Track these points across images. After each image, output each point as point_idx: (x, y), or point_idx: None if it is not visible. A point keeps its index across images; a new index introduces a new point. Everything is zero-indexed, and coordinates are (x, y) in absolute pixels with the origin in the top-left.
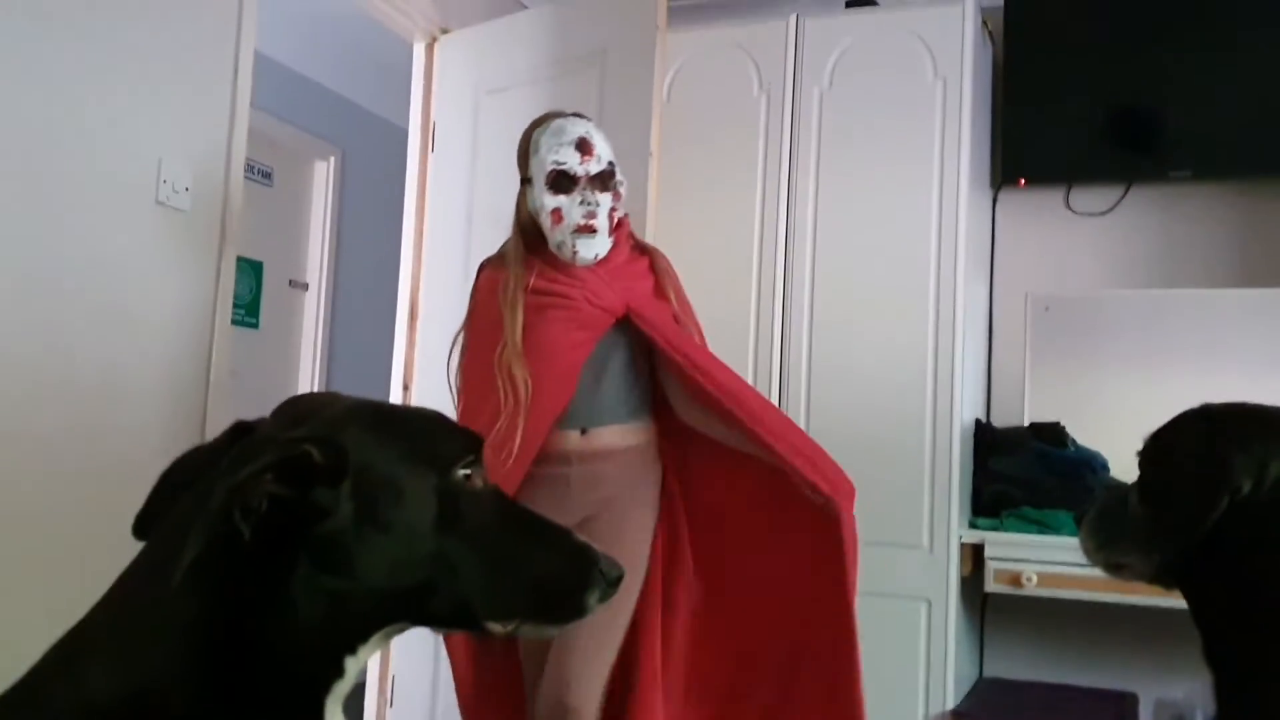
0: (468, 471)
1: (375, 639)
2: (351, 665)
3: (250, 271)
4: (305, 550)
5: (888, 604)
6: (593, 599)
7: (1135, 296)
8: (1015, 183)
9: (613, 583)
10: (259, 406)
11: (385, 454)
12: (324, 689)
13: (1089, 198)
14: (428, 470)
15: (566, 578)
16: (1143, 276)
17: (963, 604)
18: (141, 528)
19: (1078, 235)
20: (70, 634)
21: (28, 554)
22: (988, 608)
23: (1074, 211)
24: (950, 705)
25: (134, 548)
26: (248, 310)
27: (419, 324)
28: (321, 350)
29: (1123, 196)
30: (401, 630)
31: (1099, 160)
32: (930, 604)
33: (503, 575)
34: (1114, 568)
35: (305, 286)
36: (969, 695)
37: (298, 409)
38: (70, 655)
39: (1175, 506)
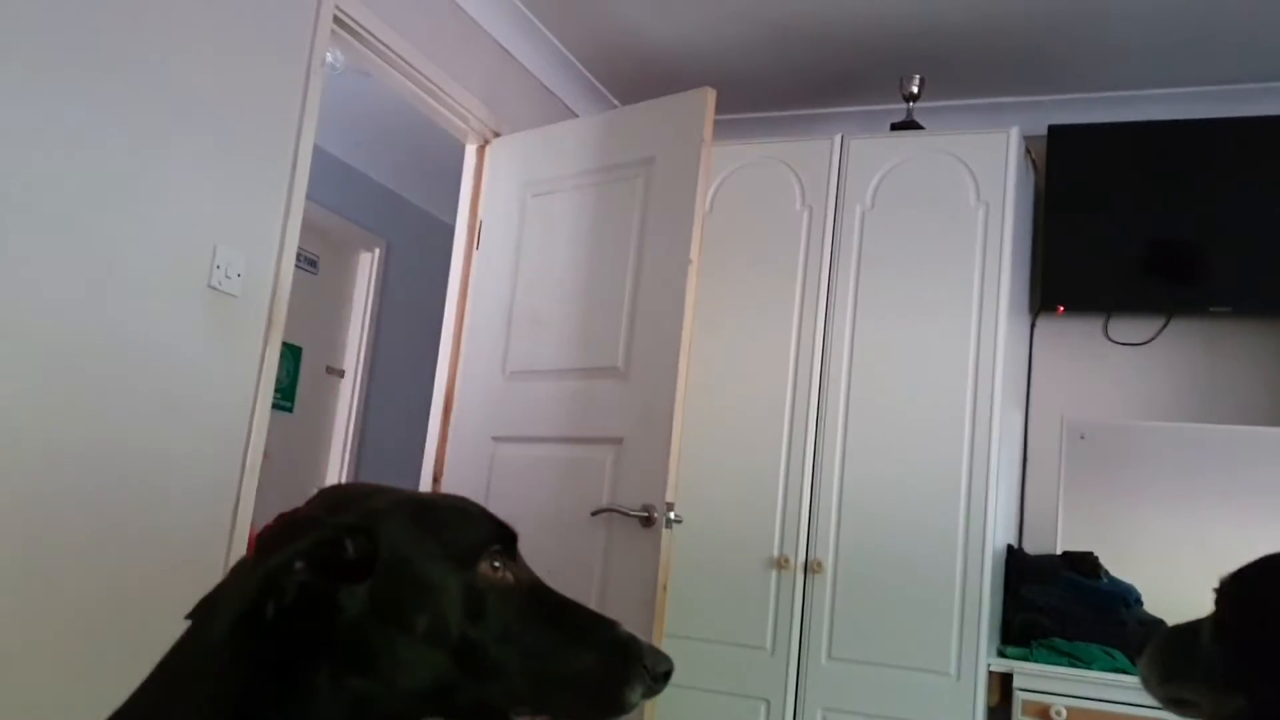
0: (497, 564)
1: None
2: None
3: (289, 356)
4: (329, 644)
5: None
6: (634, 695)
7: (1172, 429)
8: (1054, 310)
9: (659, 677)
10: (288, 489)
11: (415, 550)
12: None
13: (1128, 328)
14: (454, 565)
15: (604, 672)
16: (1180, 409)
17: None
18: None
19: (1115, 365)
20: (116, 713)
21: (63, 622)
22: None
23: (1112, 341)
24: None
25: (174, 620)
26: (284, 394)
27: (453, 417)
28: (353, 437)
29: (1162, 328)
30: None
31: (1139, 291)
32: None
33: (532, 672)
34: (1177, 704)
35: (341, 373)
36: None
37: (337, 497)
38: None
39: (1267, 653)
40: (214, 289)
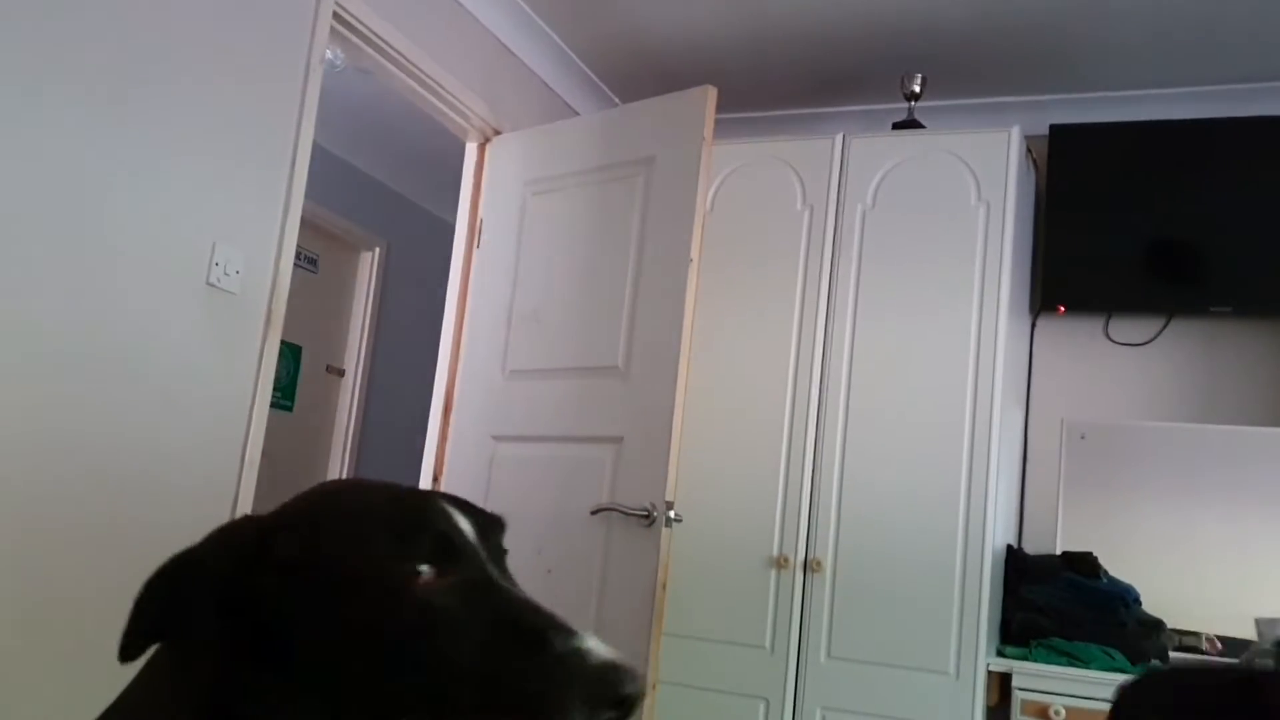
0: (429, 568)
1: None
2: None
3: (289, 355)
4: (269, 643)
5: None
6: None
7: (1172, 429)
8: (1055, 310)
9: (616, 703)
10: (287, 488)
11: (342, 548)
12: None
13: (1128, 328)
14: (384, 566)
15: (538, 695)
16: (1180, 410)
17: None
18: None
19: (1116, 365)
20: (104, 712)
21: (60, 621)
22: None
23: (1113, 341)
24: None
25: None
26: (283, 393)
27: (453, 416)
28: (353, 436)
29: (1163, 328)
30: None
31: (1140, 291)
32: None
33: (455, 686)
34: None
35: (341, 372)
36: None
37: (306, 494)
38: None
39: None
40: (213, 286)
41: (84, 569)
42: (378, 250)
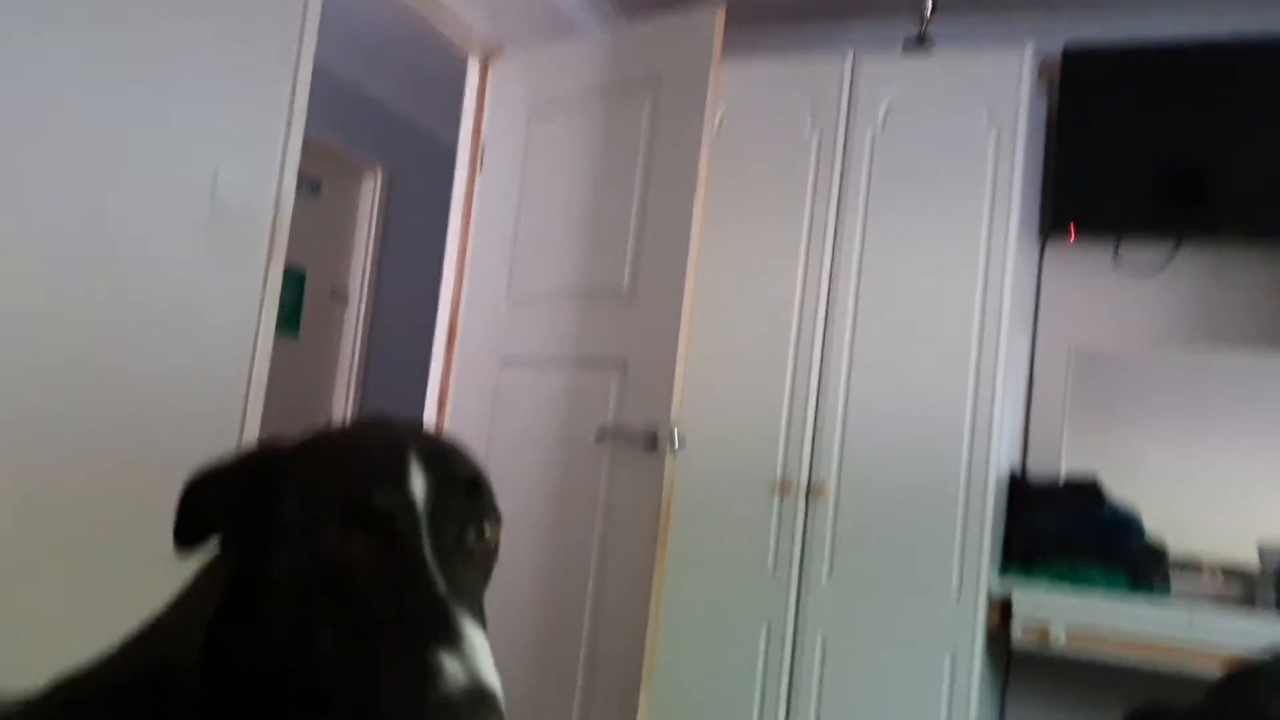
0: (347, 534)
1: None
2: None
3: (293, 281)
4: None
5: (911, 654)
6: None
7: (1179, 356)
8: (1064, 235)
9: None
10: (293, 414)
11: (286, 492)
12: None
13: (1138, 253)
14: (306, 523)
15: (383, 704)
16: (1189, 336)
17: (988, 657)
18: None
19: (1125, 290)
20: (136, 628)
21: (64, 539)
22: (1013, 663)
23: (1122, 266)
24: None
25: (162, 537)
26: (288, 319)
27: (457, 342)
28: (359, 362)
29: (1173, 254)
30: None
31: (1150, 216)
32: (954, 656)
33: (335, 673)
34: None
35: (346, 299)
36: None
37: (315, 431)
38: (127, 644)
39: None
40: (215, 210)
41: (89, 492)
42: (380, 174)
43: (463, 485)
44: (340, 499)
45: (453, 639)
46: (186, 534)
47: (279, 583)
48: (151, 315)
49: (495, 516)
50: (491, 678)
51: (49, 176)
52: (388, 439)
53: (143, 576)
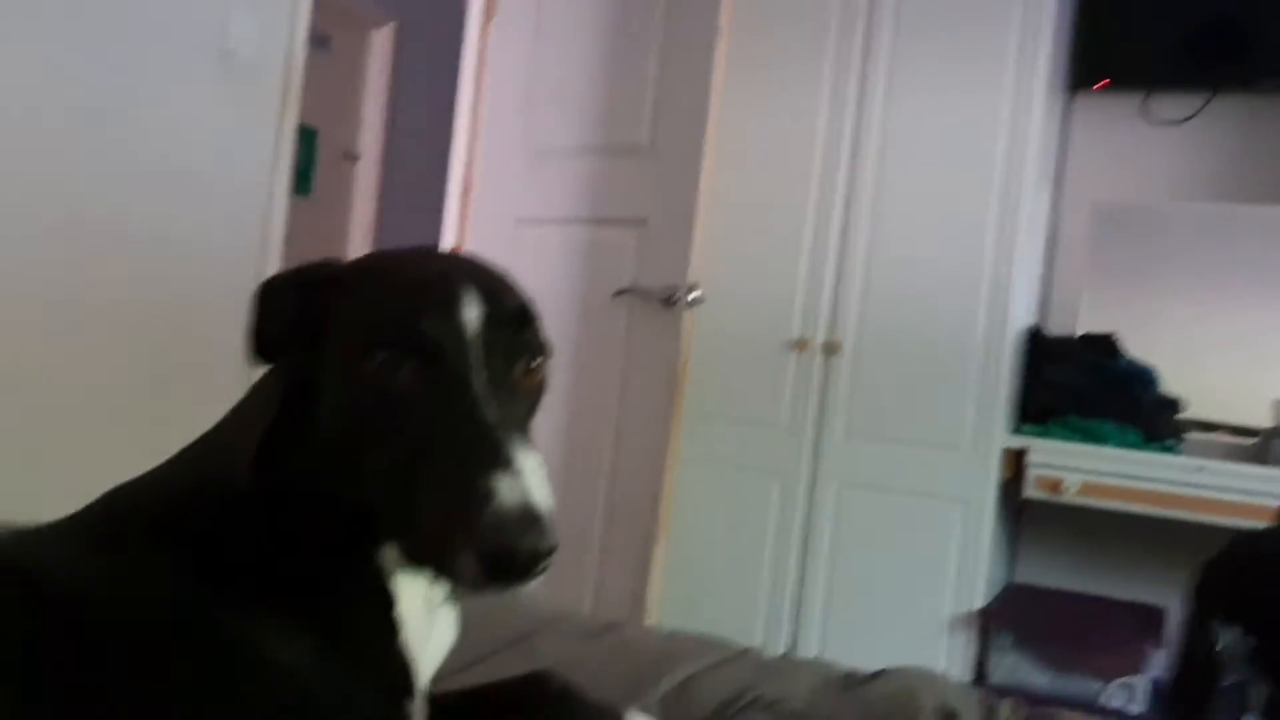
0: (387, 358)
1: None
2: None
3: (305, 139)
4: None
5: (925, 504)
6: (464, 571)
7: (1203, 210)
8: (1092, 86)
9: (500, 557)
10: None
11: (339, 316)
12: (367, 551)
13: (1168, 105)
14: (352, 347)
15: (435, 526)
16: (1216, 190)
17: (999, 508)
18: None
19: (1152, 144)
20: (186, 446)
21: (80, 403)
22: (1024, 515)
23: (1151, 119)
24: (979, 606)
25: (193, 399)
26: (300, 178)
27: (472, 200)
28: (373, 223)
29: (1204, 105)
30: None
31: (1182, 66)
32: (967, 506)
33: (384, 494)
34: None
35: (358, 158)
36: (997, 598)
37: (372, 252)
38: (177, 460)
39: None
40: (227, 58)
41: (107, 348)
42: (391, 28)
43: (513, 317)
44: (391, 325)
45: (505, 462)
46: (255, 345)
47: (330, 402)
48: (162, 171)
49: (544, 350)
50: (545, 499)
51: (50, 28)
52: (440, 268)
53: (158, 439)
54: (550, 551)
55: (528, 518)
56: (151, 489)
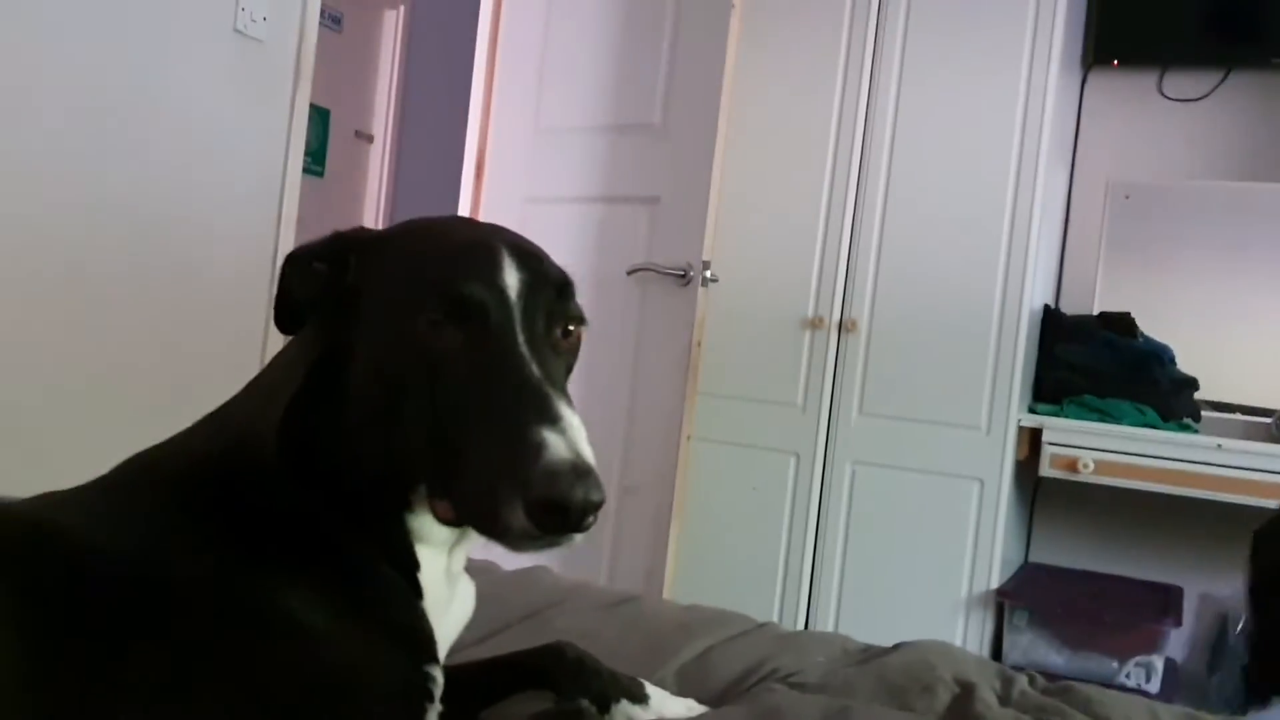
0: (436, 320)
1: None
2: (418, 503)
3: (318, 119)
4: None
5: (940, 482)
6: (514, 522)
7: (1219, 188)
8: (1108, 63)
9: (548, 509)
10: None
11: (382, 280)
12: (396, 517)
13: (1183, 82)
14: (398, 309)
15: (486, 481)
16: (1232, 168)
17: (1015, 487)
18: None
19: (1168, 122)
20: (210, 412)
21: (96, 379)
22: (1039, 493)
23: (1166, 96)
24: (994, 586)
25: (209, 375)
26: (314, 158)
27: (485, 179)
28: (385, 202)
29: (1220, 83)
30: None
31: (1197, 44)
32: (983, 484)
33: (432, 453)
34: None
35: (371, 138)
36: (1013, 577)
37: (408, 219)
38: (201, 425)
39: None
40: (240, 34)
41: (122, 325)
42: (402, 8)
43: (553, 283)
44: (437, 287)
45: (554, 417)
46: (282, 313)
47: (369, 364)
48: (175, 152)
49: (582, 317)
50: (591, 455)
51: (62, 8)
52: (479, 234)
53: (173, 416)
54: (600, 504)
55: (579, 469)
56: (178, 455)
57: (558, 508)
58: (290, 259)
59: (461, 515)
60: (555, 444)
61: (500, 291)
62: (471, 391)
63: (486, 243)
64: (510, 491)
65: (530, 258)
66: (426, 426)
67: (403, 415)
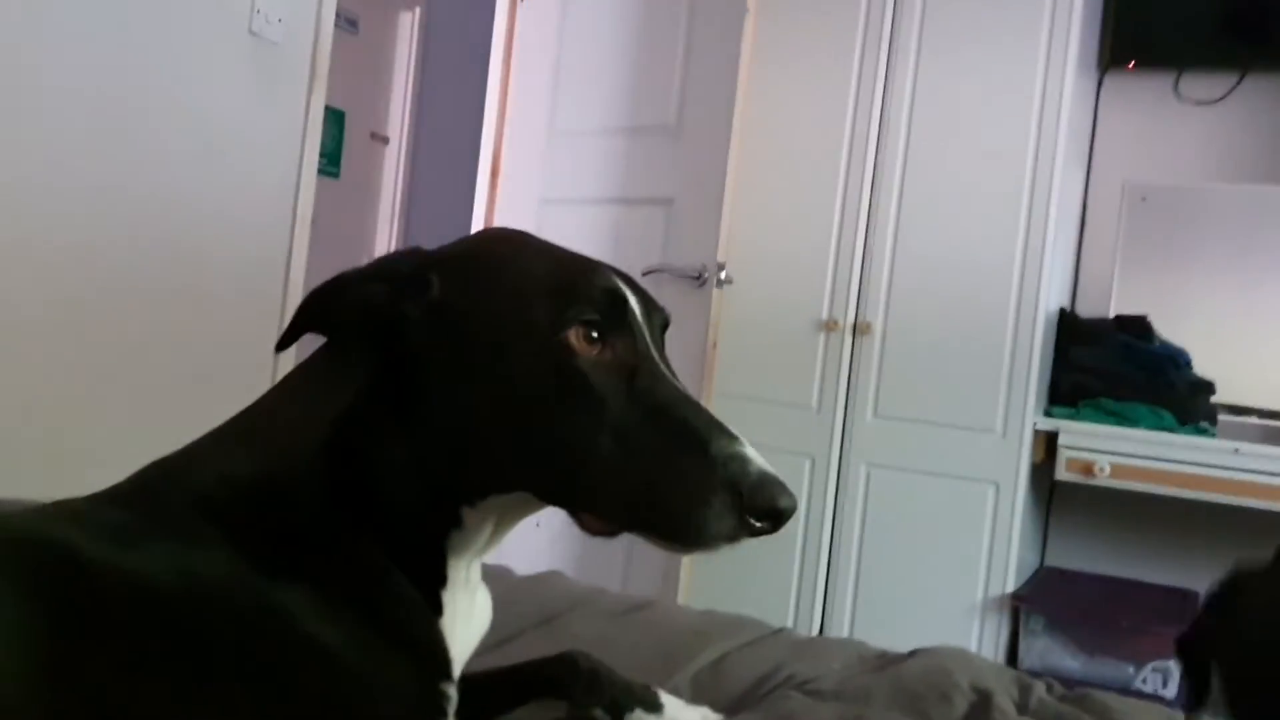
0: (594, 335)
1: (495, 500)
2: (471, 518)
3: (333, 120)
4: (411, 385)
5: (956, 486)
6: (717, 526)
7: (1236, 191)
8: (1124, 66)
9: (762, 513)
10: (336, 256)
11: (494, 299)
12: (439, 533)
13: (1199, 85)
14: (535, 325)
15: (683, 491)
16: (1248, 171)
17: (1031, 491)
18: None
19: (1184, 124)
20: (230, 421)
21: (109, 376)
22: (1055, 497)
23: (1182, 99)
24: (1010, 590)
25: (225, 378)
26: (329, 160)
27: (500, 181)
28: (401, 205)
29: (1235, 85)
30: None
31: (1213, 46)
32: (998, 488)
33: (592, 465)
34: None
35: (386, 140)
36: (1029, 581)
37: (470, 237)
38: (226, 436)
39: None
40: (255, 36)
41: (136, 327)
42: (418, 10)
43: (658, 309)
44: (578, 298)
45: (729, 432)
46: (292, 337)
47: (488, 379)
48: (190, 153)
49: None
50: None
51: (77, 8)
52: (565, 251)
53: (185, 421)
54: (794, 511)
55: (780, 481)
56: (206, 470)
57: (774, 513)
58: (341, 283)
59: (634, 524)
60: (753, 456)
61: (632, 308)
62: (638, 402)
63: (594, 261)
64: (723, 500)
65: (630, 281)
66: (589, 436)
67: (533, 427)
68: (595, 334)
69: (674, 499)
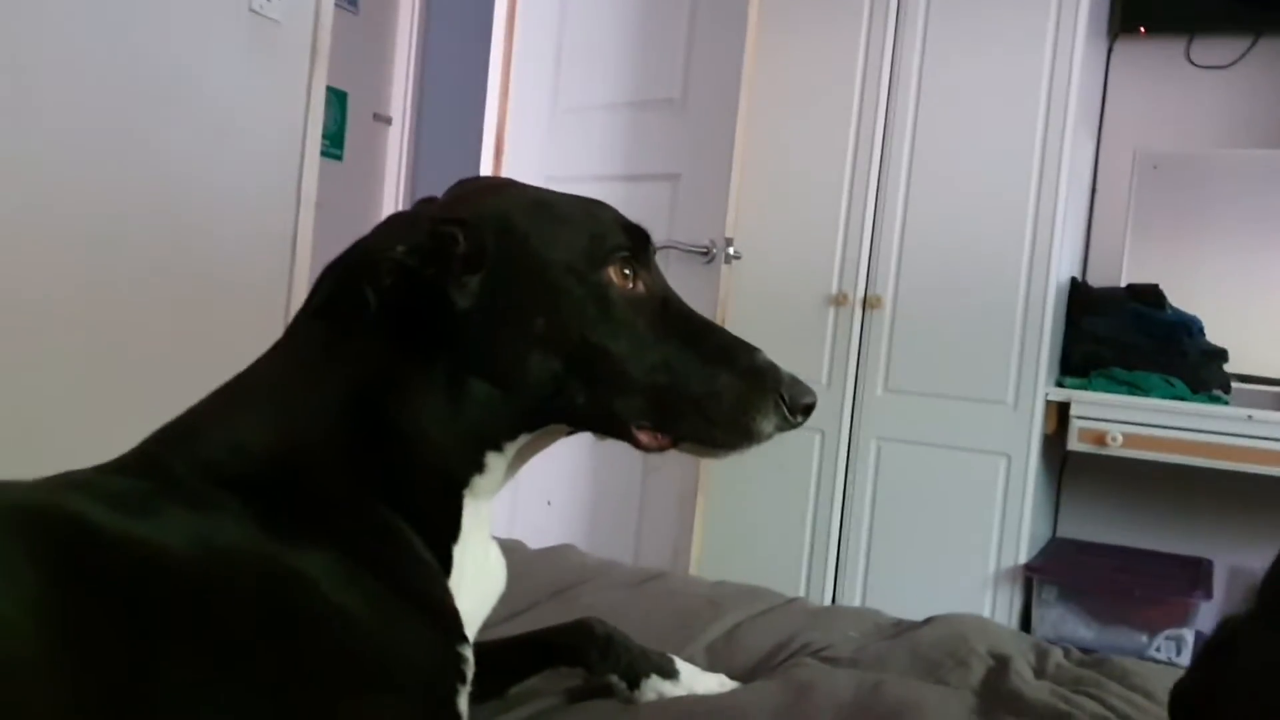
0: (627, 271)
1: (524, 439)
2: (494, 461)
3: (336, 101)
4: (443, 341)
5: (967, 457)
6: (766, 424)
7: (1249, 157)
8: (1135, 31)
9: (798, 410)
10: (342, 239)
11: (532, 247)
12: (462, 481)
13: (1211, 49)
14: (577, 266)
15: (735, 398)
16: (1260, 136)
17: (1043, 462)
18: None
19: (1196, 90)
20: (228, 385)
21: (115, 360)
22: (1066, 468)
23: (1194, 64)
24: (1022, 561)
25: (234, 361)
26: (332, 141)
27: (504, 162)
28: (405, 186)
29: (1248, 49)
30: (565, 433)
31: (1225, 10)
32: (1010, 459)
33: (656, 386)
34: None
35: (389, 121)
36: (1041, 552)
37: (464, 190)
38: (229, 402)
39: None
40: (256, 14)
41: (143, 311)
42: None
43: (650, 238)
44: (612, 237)
45: (750, 345)
46: (329, 312)
47: (539, 321)
48: (193, 131)
49: None
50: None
51: None
52: (569, 195)
53: (190, 393)
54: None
55: (800, 381)
56: (210, 434)
57: (807, 408)
58: (371, 253)
59: (692, 432)
60: (779, 365)
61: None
62: (677, 326)
63: (598, 200)
64: (767, 404)
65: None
66: (632, 365)
67: (594, 361)
68: (628, 270)
69: (733, 405)
